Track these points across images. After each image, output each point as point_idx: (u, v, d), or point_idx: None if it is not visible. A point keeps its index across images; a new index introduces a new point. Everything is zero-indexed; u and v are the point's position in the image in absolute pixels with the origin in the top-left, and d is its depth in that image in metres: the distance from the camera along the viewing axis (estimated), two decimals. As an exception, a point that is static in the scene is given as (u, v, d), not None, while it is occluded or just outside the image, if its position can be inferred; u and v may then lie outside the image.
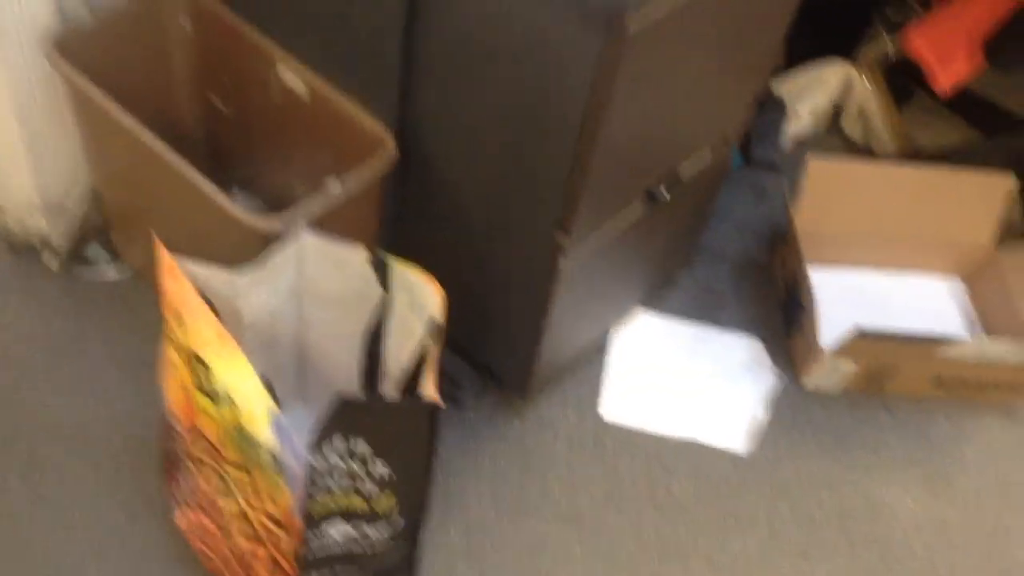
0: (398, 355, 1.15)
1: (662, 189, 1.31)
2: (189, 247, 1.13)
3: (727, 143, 1.43)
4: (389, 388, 1.19)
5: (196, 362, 0.97)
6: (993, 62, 1.50)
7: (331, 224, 1.15)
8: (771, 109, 1.95)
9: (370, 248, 1.11)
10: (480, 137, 1.17)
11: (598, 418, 1.49)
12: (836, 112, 2.03)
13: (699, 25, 1.08)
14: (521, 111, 1.09)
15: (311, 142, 1.34)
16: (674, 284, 1.69)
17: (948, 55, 1.54)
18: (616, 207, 1.26)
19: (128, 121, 1.19)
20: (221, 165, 1.49)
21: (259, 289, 1.10)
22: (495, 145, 1.16)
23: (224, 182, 1.49)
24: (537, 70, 1.03)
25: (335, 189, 1.16)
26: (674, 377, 1.55)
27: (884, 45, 2.07)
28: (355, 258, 1.12)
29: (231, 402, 0.95)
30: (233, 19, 1.33)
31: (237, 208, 1.11)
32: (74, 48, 1.27)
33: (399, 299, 1.12)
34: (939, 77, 1.57)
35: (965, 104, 1.90)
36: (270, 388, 1.01)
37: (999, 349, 1.48)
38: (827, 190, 1.63)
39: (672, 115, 1.22)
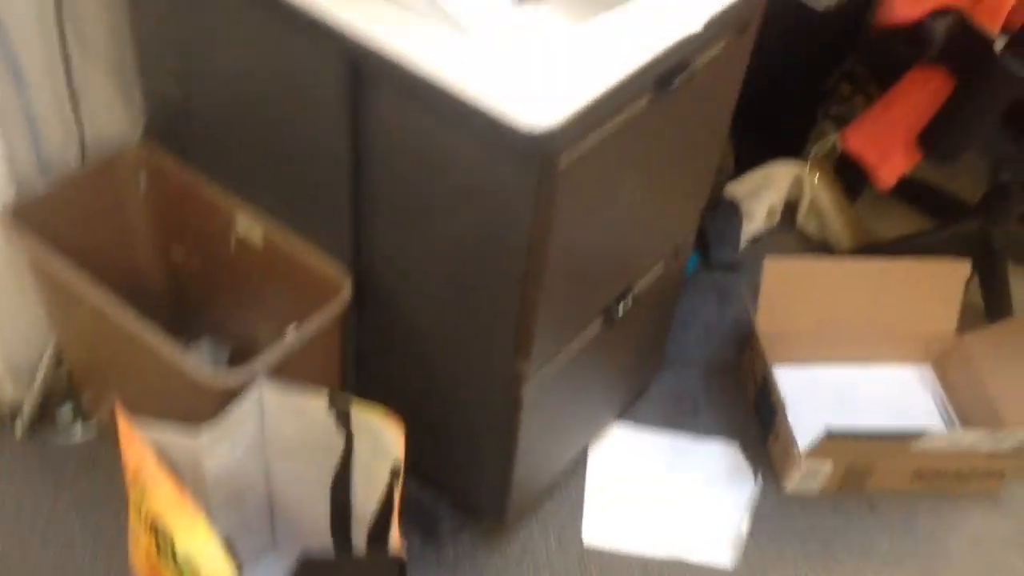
0: (365, 501, 1.14)
1: (619, 306, 1.32)
2: (153, 406, 1.13)
3: (679, 254, 1.46)
4: (359, 535, 1.17)
5: (158, 529, 0.96)
6: (929, 155, 1.55)
7: (292, 370, 1.15)
8: (726, 211, 1.99)
9: (331, 392, 1.11)
10: (433, 273, 1.19)
11: (580, 544, 1.46)
12: (791, 209, 2.08)
13: (633, 146, 1.11)
14: (470, 246, 1.11)
15: (271, 289, 1.35)
16: (646, 393, 1.69)
17: (886, 152, 1.59)
18: (574, 329, 1.27)
19: (87, 287, 1.21)
20: (187, 315, 1.51)
21: (221, 446, 1.10)
22: (448, 280, 1.18)
23: (191, 331, 1.51)
24: (480, 207, 1.06)
25: (293, 337, 1.16)
26: (654, 493, 1.54)
27: (831, 140, 2.14)
28: (316, 406, 1.12)
29: (193, 569, 0.93)
30: (188, 175, 1.36)
31: (195, 367, 1.12)
32: (31, 215, 1.29)
33: (362, 446, 1.11)
34: (879, 174, 1.61)
35: (914, 193, 1.96)
36: (234, 548, 1.00)
37: (972, 439, 1.48)
38: (787, 289, 1.65)
39: (620, 234, 1.24)
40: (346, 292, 1.22)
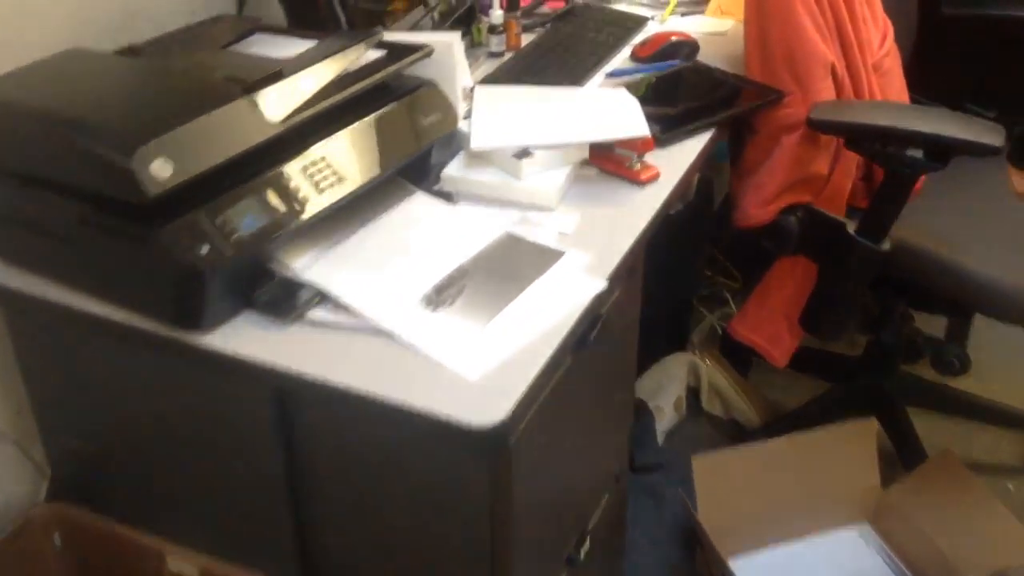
0: None
1: (579, 552, 1.31)
2: None
3: (619, 479, 1.48)
4: None
5: None
6: (812, 332, 1.65)
7: None
8: (636, 414, 2.04)
9: None
10: (389, 570, 1.15)
11: None
12: (694, 395, 2.15)
13: (564, 400, 1.14)
14: (426, 538, 1.09)
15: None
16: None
17: (774, 336, 1.68)
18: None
19: None
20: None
21: None
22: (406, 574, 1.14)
23: None
24: (433, 499, 1.05)
25: None
26: None
27: (708, 324, 2.26)
28: None
29: None
30: (106, 525, 1.29)
31: None
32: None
33: None
34: (773, 355, 1.70)
35: (802, 360, 2.06)
36: None
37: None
38: (719, 482, 1.69)
39: (568, 480, 1.25)
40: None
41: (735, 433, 2.08)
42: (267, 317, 1.02)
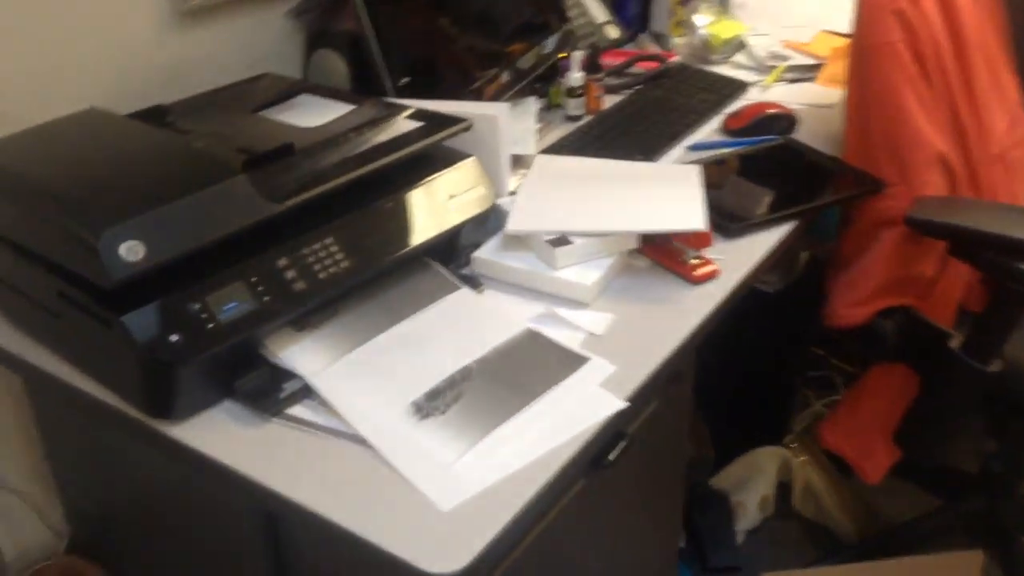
0: None
1: None
2: None
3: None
4: None
5: None
6: (906, 451, 1.45)
7: None
8: (715, 508, 1.87)
9: None
10: None
11: None
12: (784, 491, 1.95)
13: (583, 520, 1.01)
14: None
15: None
16: None
17: (866, 450, 1.49)
18: None
19: None
20: None
21: None
22: None
23: None
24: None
25: None
26: None
27: (816, 417, 2.05)
28: None
29: None
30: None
31: None
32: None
33: None
34: (864, 470, 1.51)
35: (910, 468, 1.84)
36: None
37: None
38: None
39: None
40: None
41: (826, 542, 1.87)
42: (246, 409, 0.95)
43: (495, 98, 1.44)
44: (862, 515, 1.87)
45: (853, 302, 1.37)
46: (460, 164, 1.13)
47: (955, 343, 1.32)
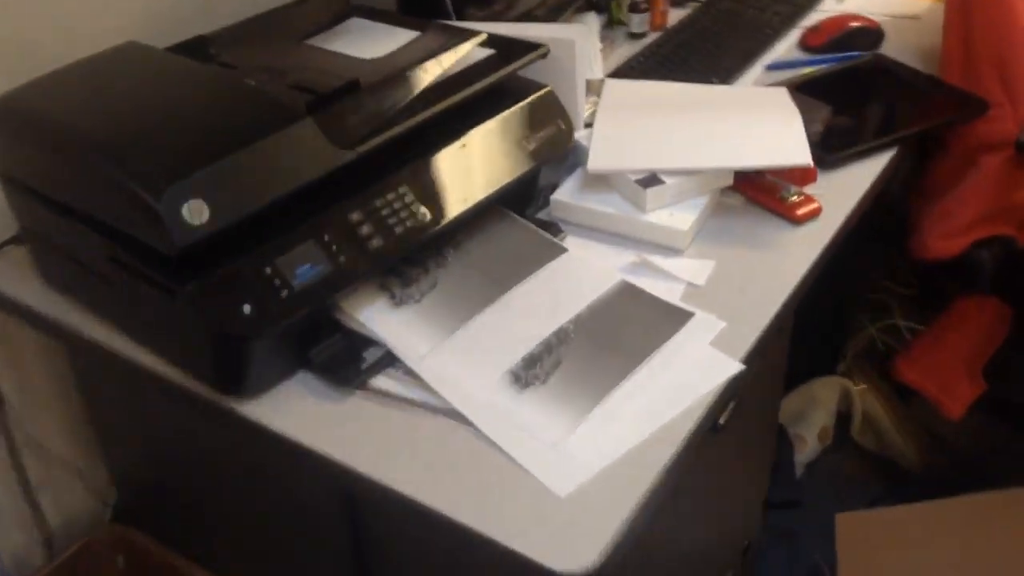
0: None
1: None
2: None
3: (747, 550, 1.27)
4: None
5: None
6: (1000, 389, 1.37)
7: None
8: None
9: None
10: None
11: None
12: (843, 421, 1.89)
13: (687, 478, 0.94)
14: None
15: None
16: None
17: (948, 384, 1.41)
18: None
19: None
20: None
21: None
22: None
23: None
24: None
25: None
26: None
27: (871, 338, 1.96)
28: None
29: None
30: (167, 555, 1.19)
31: None
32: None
33: None
34: (946, 405, 1.43)
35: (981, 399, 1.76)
36: None
37: None
38: (864, 547, 1.44)
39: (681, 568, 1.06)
40: None
41: (890, 472, 1.81)
42: (323, 382, 0.86)
43: (551, 17, 1.31)
44: (926, 445, 1.80)
45: (948, 233, 1.26)
46: (536, 96, 1.01)
47: (1061, 276, 1.23)
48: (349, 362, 0.86)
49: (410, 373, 0.85)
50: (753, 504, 1.26)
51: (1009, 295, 1.30)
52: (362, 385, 0.85)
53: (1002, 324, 1.33)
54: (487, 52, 1.00)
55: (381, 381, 0.86)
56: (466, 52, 0.98)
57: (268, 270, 0.80)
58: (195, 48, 0.99)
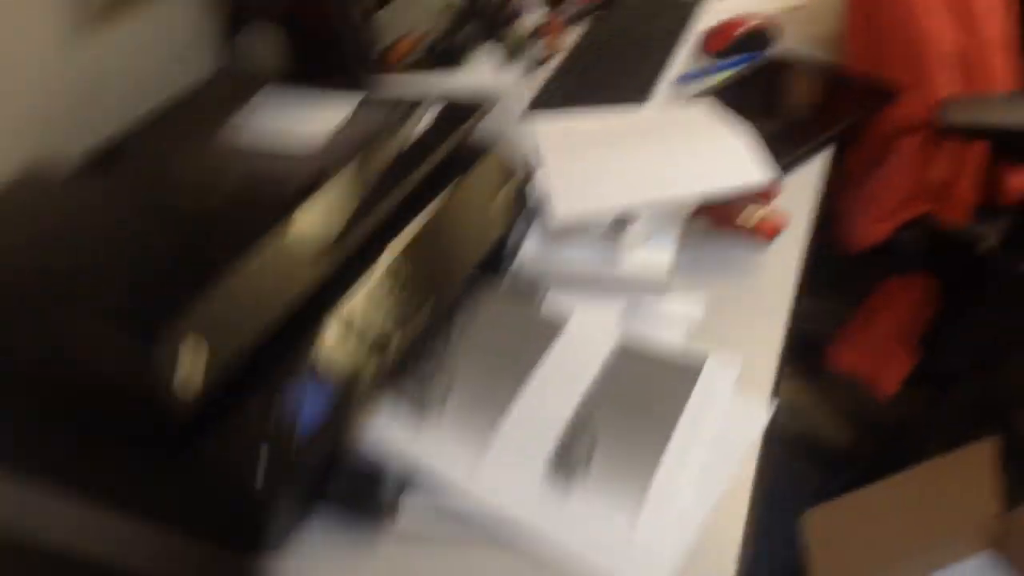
0: None
1: None
2: None
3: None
4: None
5: None
6: (938, 361, 1.41)
7: None
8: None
9: None
10: None
11: None
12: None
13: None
14: None
15: None
16: None
17: (882, 362, 1.45)
18: None
19: None
20: None
21: None
22: None
23: None
24: None
25: None
26: None
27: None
28: None
29: None
30: None
31: None
32: None
33: None
34: (880, 381, 1.47)
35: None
36: None
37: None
38: (835, 537, 1.47)
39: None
40: None
41: (816, 456, 1.84)
42: (347, 520, 0.76)
43: (450, 60, 1.24)
44: (853, 424, 1.85)
45: (877, 218, 1.29)
46: (485, 152, 0.94)
47: (984, 245, 1.27)
48: (369, 489, 0.77)
49: (435, 489, 0.77)
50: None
51: (935, 269, 1.34)
52: (394, 513, 0.76)
53: (931, 298, 1.37)
54: (432, 115, 0.92)
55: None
56: (412, 119, 0.90)
57: (274, 410, 0.69)
58: (104, 160, 0.86)
